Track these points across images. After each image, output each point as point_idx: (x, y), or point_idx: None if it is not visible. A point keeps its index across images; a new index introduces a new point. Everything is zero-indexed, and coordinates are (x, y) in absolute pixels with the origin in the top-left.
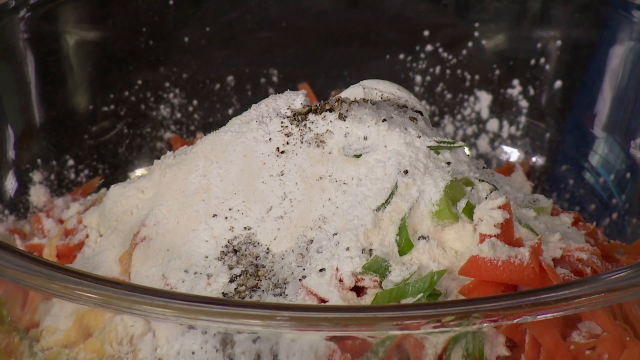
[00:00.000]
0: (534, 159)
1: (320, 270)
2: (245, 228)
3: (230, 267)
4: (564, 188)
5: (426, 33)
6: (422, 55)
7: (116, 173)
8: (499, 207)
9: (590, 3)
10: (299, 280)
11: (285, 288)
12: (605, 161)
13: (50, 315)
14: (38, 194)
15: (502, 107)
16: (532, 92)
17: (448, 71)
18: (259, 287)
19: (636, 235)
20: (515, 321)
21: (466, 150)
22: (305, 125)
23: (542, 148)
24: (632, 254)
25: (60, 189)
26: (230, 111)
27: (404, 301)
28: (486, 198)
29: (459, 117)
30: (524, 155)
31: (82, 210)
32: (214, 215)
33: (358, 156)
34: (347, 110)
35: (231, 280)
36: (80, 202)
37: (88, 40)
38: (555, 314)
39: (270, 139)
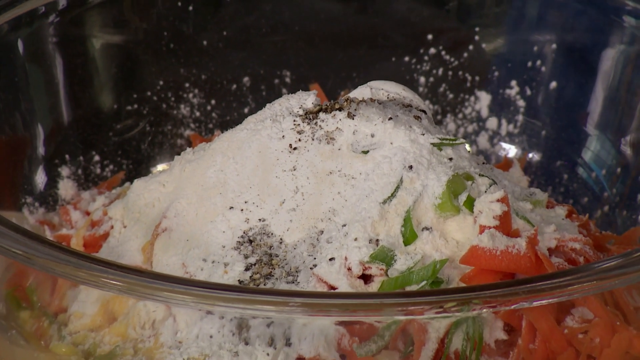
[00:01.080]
0: (530, 155)
1: (330, 260)
2: (259, 220)
3: (246, 257)
4: (558, 182)
5: (430, 37)
6: (426, 58)
7: (139, 168)
8: (498, 200)
9: (583, 9)
10: (310, 268)
11: (297, 276)
12: (597, 157)
13: (77, 301)
14: (66, 188)
15: (500, 107)
16: (529, 92)
17: (450, 73)
18: (273, 275)
19: (626, 226)
20: (512, 307)
21: (467, 147)
22: (316, 123)
23: (538, 145)
24: (623, 244)
25: (87, 183)
26: (246, 110)
27: (408, 288)
28: (485, 192)
29: (460, 115)
30: (521, 152)
31: (107, 203)
32: (231, 208)
33: (366, 152)
34: (355, 109)
35: (246, 269)
36: (105, 195)
37: (113, 43)
38: (550, 300)
39: (283, 136)
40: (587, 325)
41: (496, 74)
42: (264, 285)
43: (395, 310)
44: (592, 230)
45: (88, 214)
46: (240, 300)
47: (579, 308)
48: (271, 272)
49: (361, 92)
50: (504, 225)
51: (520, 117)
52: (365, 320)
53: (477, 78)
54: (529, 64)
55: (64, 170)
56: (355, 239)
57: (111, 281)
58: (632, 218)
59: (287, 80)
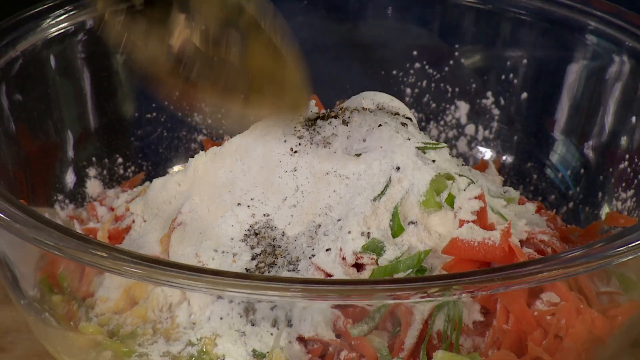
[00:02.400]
0: (504, 158)
1: (327, 250)
2: (264, 215)
3: (252, 247)
4: (528, 182)
5: (415, 53)
6: (412, 72)
7: (157, 169)
8: (476, 198)
9: (551, 28)
10: (309, 258)
11: (298, 265)
12: (563, 159)
13: (102, 287)
14: (93, 187)
15: (477, 115)
16: (502, 102)
17: (433, 85)
18: (276, 264)
19: (589, 221)
20: (488, 292)
21: (447, 150)
22: (314, 129)
23: (510, 148)
24: (585, 236)
25: (112, 182)
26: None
27: (396, 276)
28: (465, 190)
29: (442, 122)
30: (496, 155)
31: (129, 200)
32: (239, 204)
33: (358, 155)
34: (349, 117)
35: (252, 258)
36: (127, 193)
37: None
38: (521, 286)
39: (285, 140)
40: (555, 308)
41: (474, 85)
42: (268, 273)
43: (385, 295)
44: (559, 224)
45: (112, 209)
46: (247, 287)
47: (547, 293)
48: (274, 261)
49: (354, 102)
50: (481, 219)
51: (495, 124)
52: (357, 304)
53: (456, 89)
54: (503, 77)
55: (91, 171)
56: (349, 232)
57: (132, 269)
58: (594, 213)
59: None
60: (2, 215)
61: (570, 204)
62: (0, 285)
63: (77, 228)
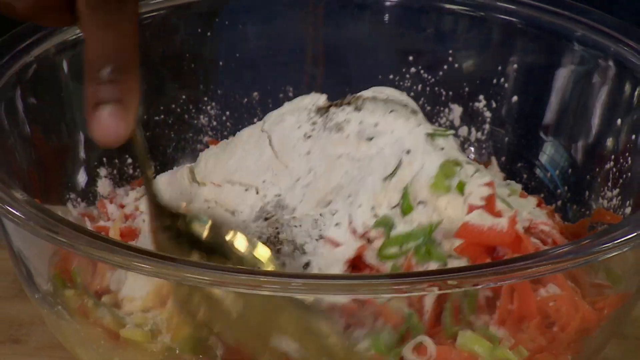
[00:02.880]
0: (496, 158)
1: (336, 224)
2: (276, 195)
3: (259, 237)
4: (519, 181)
5: (411, 58)
6: (408, 76)
7: (165, 168)
8: (485, 184)
9: (540, 34)
10: (316, 240)
11: (304, 249)
12: (552, 160)
13: (126, 287)
14: (104, 185)
15: (470, 117)
16: (494, 105)
17: (428, 88)
18: (281, 252)
19: (576, 218)
20: (480, 287)
21: (454, 139)
22: (327, 116)
23: (502, 149)
24: (574, 233)
25: (121, 181)
26: (255, 120)
27: (406, 245)
28: (471, 177)
29: (436, 124)
30: (488, 155)
31: (139, 197)
32: (248, 189)
33: (370, 139)
34: (361, 104)
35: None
36: (136, 190)
37: (143, 64)
38: (511, 281)
39: (299, 126)
40: (555, 295)
41: (466, 89)
42: (277, 256)
43: (386, 289)
44: (557, 219)
45: (122, 206)
46: (249, 283)
47: (551, 284)
48: (280, 248)
49: (365, 93)
50: (490, 206)
51: (487, 126)
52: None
53: (450, 93)
54: (494, 81)
55: (102, 171)
56: (360, 206)
57: (140, 265)
58: (581, 211)
59: (290, 94)
60: (17, 213)
61: (559, 202)
62: (15, 280)
63: (89, 225)
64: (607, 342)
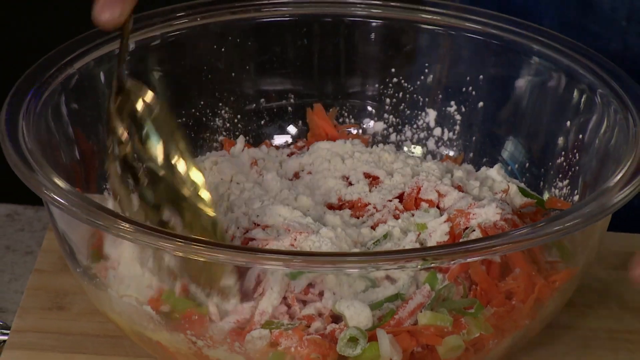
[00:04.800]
0: (464, 154)
1: None
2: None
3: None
4: None
5: (393, 70)
6: (390, 85)
7: None
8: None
9: (502, 50)
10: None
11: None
12: (512, 155)
13: None
14: None
15: (443, 120)
16: (463, 109)
17: (407, 95)
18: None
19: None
20: (452, 263)
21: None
22: None
23: (470, 147)
24: (532, 217)
25: None
26: (262, 122)
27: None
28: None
29: (415, 126)
30: (459, 152)
31: None
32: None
33: None
34: None
35: None
36: None
37: (167, 74)
38: (479, 257)
39: None
40: (514, 275)
41: (440, 96)
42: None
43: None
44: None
45: None
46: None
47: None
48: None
49: None
50: None
51: (457, 127)
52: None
53: (426, 99)
54: (463, 89)
55: None
56: None
57: (166, 244)
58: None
59: (292, 101)
60: (62, 201)
61: None
62: (60, 257)
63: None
64: (560, 308)
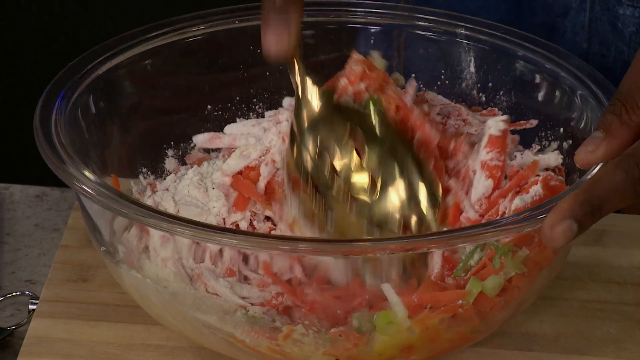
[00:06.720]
0: None
1: None
2: None
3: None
4: None
5: None
6: None
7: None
8: None
9: (490, 55)
10: None
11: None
12: None
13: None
14: (170, 163)
15: None
16: None
17: None
18: None
19: None
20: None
21: None
22: None
23: None
24: None
25: (184, 161)
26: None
27: None
28: None
29: None
30: None
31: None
32: None
33: None
34: None
35: None
36: (193, 169)
37: (210, 73)
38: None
39: None
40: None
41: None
42: None
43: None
44: None
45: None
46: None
47: None
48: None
49: None
50: None
51: None
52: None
53: None
54: (455, 89)
55: (169, 152)
56: None
57: (182, 230)
58: None
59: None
60: (90, 191)
61: None
62: (85, 234)
63: (149, 193)
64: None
